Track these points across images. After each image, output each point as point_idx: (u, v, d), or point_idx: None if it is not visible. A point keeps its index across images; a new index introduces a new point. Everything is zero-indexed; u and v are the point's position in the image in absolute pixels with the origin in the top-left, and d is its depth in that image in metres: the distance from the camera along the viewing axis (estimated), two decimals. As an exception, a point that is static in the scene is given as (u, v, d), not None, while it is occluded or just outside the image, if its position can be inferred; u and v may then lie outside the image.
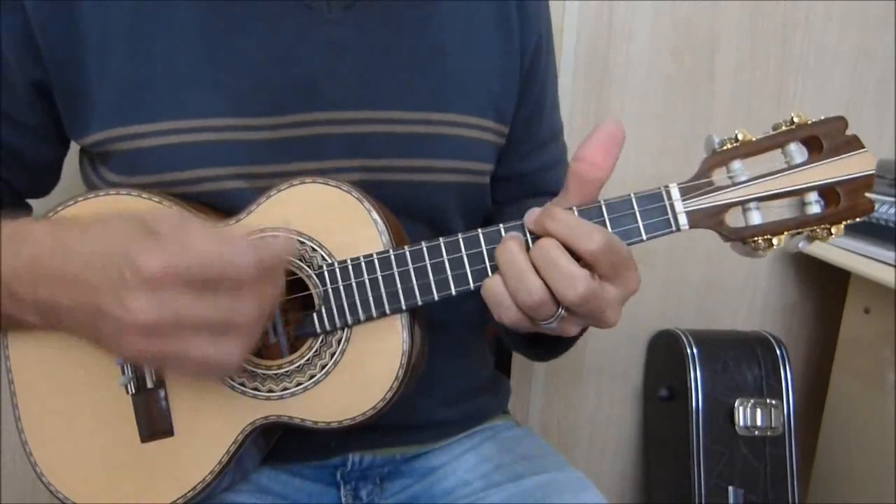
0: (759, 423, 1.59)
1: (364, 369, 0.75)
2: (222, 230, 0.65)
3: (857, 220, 0.68)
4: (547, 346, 0.85)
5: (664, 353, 1.73)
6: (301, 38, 0.83)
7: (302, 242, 0.75)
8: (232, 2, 0.82)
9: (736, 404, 1.60)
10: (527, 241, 0.70)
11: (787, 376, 1.62)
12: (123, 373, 0.76)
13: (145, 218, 0.63)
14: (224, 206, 0.80)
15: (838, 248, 1.52)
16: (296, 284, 0.76)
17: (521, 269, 0.67)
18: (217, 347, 0.61)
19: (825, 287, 1.81)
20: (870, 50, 1.71)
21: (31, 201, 0.95)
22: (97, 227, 0.64)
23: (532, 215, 0.70)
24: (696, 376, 1.61)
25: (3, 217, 0.71)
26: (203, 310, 0.59)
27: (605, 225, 0.70)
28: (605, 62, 1.62)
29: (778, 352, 1.64)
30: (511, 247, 0.68)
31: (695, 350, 1.63)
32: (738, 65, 1.67)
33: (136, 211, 0.65)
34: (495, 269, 0.70)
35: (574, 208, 0.70)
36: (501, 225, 0.72)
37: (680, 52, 1.65)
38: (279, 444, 0.87)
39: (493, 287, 0.69)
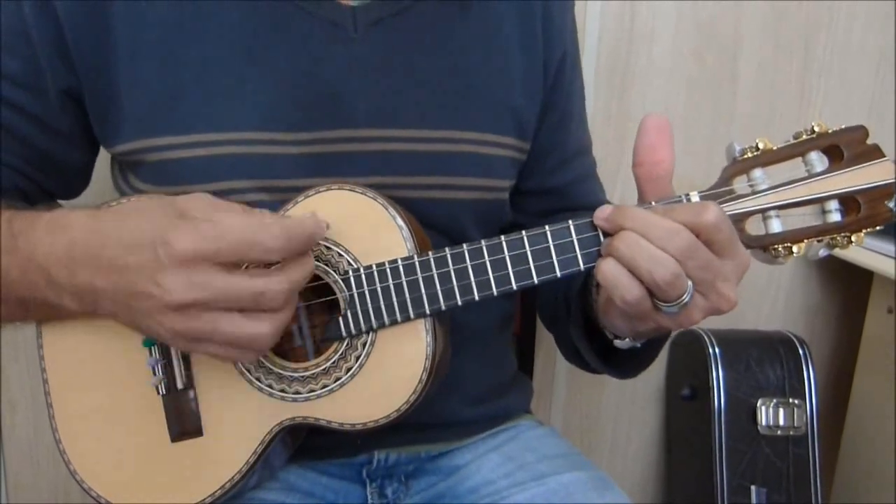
0: (781, 422, 1.59)
1: (388, 373, 0.76)
2: (252, 211, 0.67)
3: (878, 228, 0.69)
4: (629, 358, 0.87)
5: (686, 352, 1.73)
6: (326, 55, 0.84)
7: (328, 248, 0.76)
8: (260, 19, 0.83)
9: (758, 404, 1.59)
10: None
11: (809, 376, 1.61)
12: (154, 374, 0.78)
13: (177, 201, 0.65)
14: None
15: (862, 249, 1.51)
16: (322, 289, 0.78)
17: (649, 248, 0.66)
18: (247, 326, 0.63)
19: (848, 287, 1.80)
20: (892, 51, 1.69)
21: (61, 202, 0.96)
22: (132, 212, 0.67)
23: (604, 212, 0.70)
24: (718, 376, 1.61)
25: (40, 208, 0.73)
26: (234, 288, 0.62)
27: None
28: (626, 64, 1.62)
29: (801, 351, 1.63)
30: (630, 233, 0.67)
31: (717, 350, 1.63)
32: (761, 66, 1.66)
33: (158, 194, 0.67)
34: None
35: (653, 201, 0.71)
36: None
37: (702, 53, 1.64)
38: (306, 442, 0.88)
39: (610, 268, 0.68)
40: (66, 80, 0.83)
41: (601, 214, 0.71)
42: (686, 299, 0.67)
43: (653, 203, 0.70)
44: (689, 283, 0.66)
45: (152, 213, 0.65)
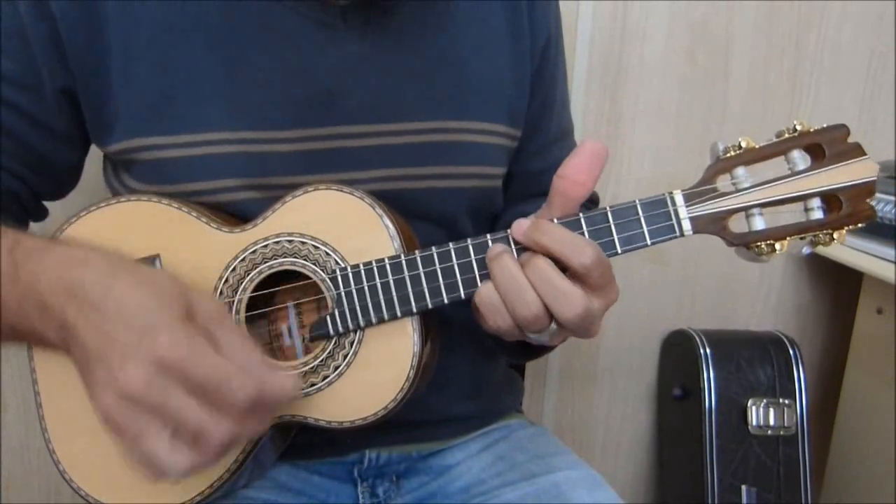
0: (772, 422, 1.60)
1: (376, 371, 0.76)
2: (251, 347, 0.65)
3: (859, 225, 0.69)
4: (526, 350, 0.89)
5: (678, 352, 1.74)
6: (317, 53, 0.84)
7: (316, 247, 0.77)
8: (249, 19, 0.83)
9: (749, 404, 1.61)
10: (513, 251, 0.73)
11: (800, 376, 1.62)
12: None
13: (192, 299, 0.64)
14: (239, 215, 0.82)
15: (851, 250, 1.52)
16: (310, 288, 0.78)
17: (519, 285, 0.69)
18: (168, 451, 0.60)
19: (838, 287, 1.81)
20: (884, 50, 1.70)
21: (48, 203, 0.96)
22: (149, 282, 0.65)
23: (521, 227, 0.72)
24: (709, 376, 1.62)
25: (55, 239, 0.72)
26: (183, 410, 0.59)
27: (610, 231, 0.72)
28: (618, 63, 1.63)
29: (791, 352, 1.65)
30: (506, 262, 0.70)
31: (708, 350, 1.64)
32: (753, 65, 1.67)
33: (184, 281, 0.66)
34: (487, 276, 0.72)
35: (581, 215, 0.72)
36: (489, 235, 0.74)
37: (694, 52, 1.65)
38: (297, 440, 0.88)
39: (489, 295, 0.71)
40: (62, 80, 0.83)
41: (518, 230, 0.73)
42: (551, 331, 0.72)
43: (554, 220, 0.72)
44: (552, 322, 0.70)
45: (162, 296, 0.63)
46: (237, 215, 0.83)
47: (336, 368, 0.76)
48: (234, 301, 0.78)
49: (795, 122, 0.69)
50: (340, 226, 0.77)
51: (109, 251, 0.68)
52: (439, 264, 0.75)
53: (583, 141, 0.71)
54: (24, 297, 0.67)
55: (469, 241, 0.74)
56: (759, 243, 0.71)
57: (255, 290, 0.78)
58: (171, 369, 0.59)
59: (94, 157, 0.93)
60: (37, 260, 0.67)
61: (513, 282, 0.69)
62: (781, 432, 1.60)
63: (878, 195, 1.42)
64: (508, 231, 0.73)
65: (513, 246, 0.73)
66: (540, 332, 0.71)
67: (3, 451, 1.57)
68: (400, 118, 0.87)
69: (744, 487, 1.59)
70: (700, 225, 0.71)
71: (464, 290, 0.74)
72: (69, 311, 0.63)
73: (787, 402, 1.61)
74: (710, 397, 1.61)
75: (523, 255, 0.71)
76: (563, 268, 0.69)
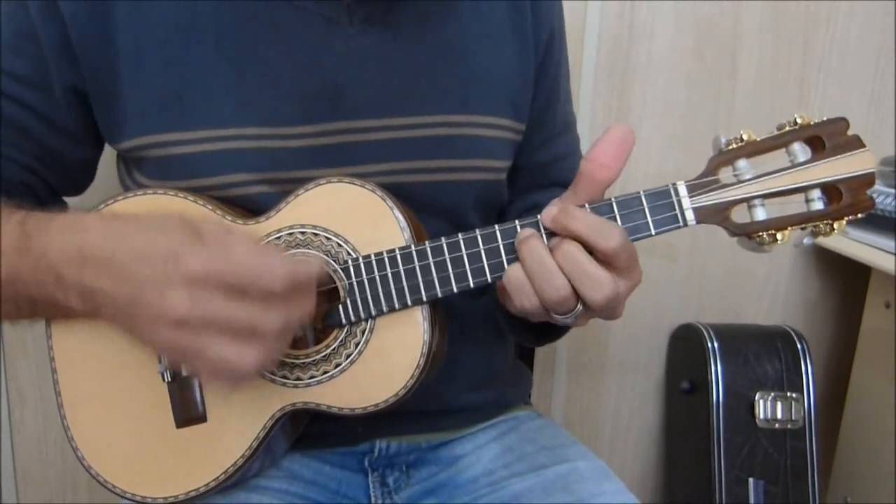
0: (779, 416, 1.60)
1: (386, 359, 0.78)
2: (263, 244, 0.69)
3: (859, 216, 0.71)
4: (545, 334, 0.91)
5: (685, 346, 1.74)
6: (325, 49, 0.85)
7: (328, 238, 0.78)
8: (257, 17, 0.84)
9: (756, 397, 1.61)
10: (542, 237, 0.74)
11: (807, 370, 1.63)
12: (160, 361, 0.79)
13: (194, 222, 0.67)
14: (252, 209, 0.84)
15: (860, 244, 1.52)
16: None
17: (547, 268, 0.71)
18: (235, 352, 0.64)
19: (847, 282, 1.81)
20: (891, 48, 1.70)
21: (67, 199, 0.97)
22: (150, 223, 0.68)
23: (549, 213, 0.73)
24: (717, 370, 1.62)
25: (53, 210, 0.74)
26: (232, 313, 0.63)
27: (615, 221, 0.73)
28: (626, 61, 1.63)
29: (799, 346, 1.65)
30: (535, 245, 0.72)
31: (716, 344, 1.64)
32: (760, 63, 1.67)
33: (178, 212, 0.69)
34: (514, 259, 0.74)
35: (587, 205, 0.73)
36: (518, 221, 0.75)
37: (701, 50, 1.65)
38: (309, 430, 0.90)
39: (516, 276, 0.73)
40: (71, 79, 0.84)
41: (547, 215, 0.74)
42: (576, 313, 0.73)
43: (586, 206, 0.73)
44: (579, 304, 0.72)
45: (169, 229, 0.66)
46: (250, 209, 0.84)
47: (348, 356, 0.78)
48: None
49: (796, 116, 0.70)
50: (352, 218, 0.79)
51: (103, 213, 0.72)
52: (448, 254, 0.76)
53: (610, 126, 0.72)
54: (37, 267, 0.69)
55: (478, 231, 0.75)
56: (760, 233, 0.72)
57: (268, 280, 0.80)
58: (205, 282, 0.62)
59: (109, 154, 0.94)
60: (44, 231, 0.70)
61: (541, 265, 0.71)
62: (789, 426, 1.61)
63: (879, 188, 1.43)
64: (538, 216, 0.74)
65: (542, 231, 0.74)
66: (566, 314, 0.72)
67: (20, 445, 1.59)
68: (405, 112, 0.88)
69: (751, 480, 1.60)
70: (703, 215, 0.72)
71: (472, 279, 0.76)
72: (87, 276, 0.67)
73: (794, 395, 1.61)
74: (717, 391, 1.62)
75: (553, 241, 0.72)
76: (590, 252, 0.70)
